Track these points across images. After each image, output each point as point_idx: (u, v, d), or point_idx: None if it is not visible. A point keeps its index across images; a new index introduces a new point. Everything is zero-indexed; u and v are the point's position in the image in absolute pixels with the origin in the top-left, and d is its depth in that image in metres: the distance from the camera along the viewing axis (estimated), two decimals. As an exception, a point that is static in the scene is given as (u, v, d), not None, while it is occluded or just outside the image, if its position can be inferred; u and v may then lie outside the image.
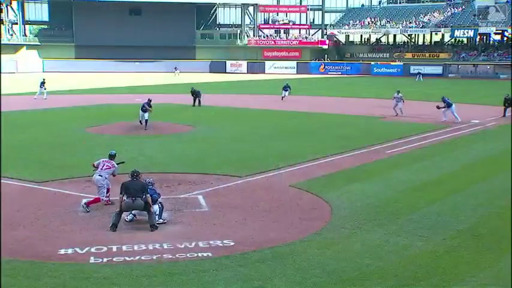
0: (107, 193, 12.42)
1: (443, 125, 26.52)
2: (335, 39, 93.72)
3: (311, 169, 16.30)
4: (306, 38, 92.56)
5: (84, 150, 18.85)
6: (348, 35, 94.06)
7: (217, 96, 45.18)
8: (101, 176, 12.34)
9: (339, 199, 12.81)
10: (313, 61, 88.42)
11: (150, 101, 24.81)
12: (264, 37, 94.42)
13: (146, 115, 24.11)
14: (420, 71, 74.84)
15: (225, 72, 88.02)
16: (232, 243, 9.83)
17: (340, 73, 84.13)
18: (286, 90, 39.47)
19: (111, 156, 12.67)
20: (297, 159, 17.71)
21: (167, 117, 29.52)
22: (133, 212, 11.17)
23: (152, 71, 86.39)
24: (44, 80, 40.22)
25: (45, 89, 38.94)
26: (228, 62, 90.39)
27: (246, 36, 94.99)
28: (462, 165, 16.97)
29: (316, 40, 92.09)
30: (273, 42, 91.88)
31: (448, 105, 27.34)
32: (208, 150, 19.20)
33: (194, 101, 36.00)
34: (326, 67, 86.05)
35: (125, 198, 10.92)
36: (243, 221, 11.20)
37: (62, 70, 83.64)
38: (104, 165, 12.44)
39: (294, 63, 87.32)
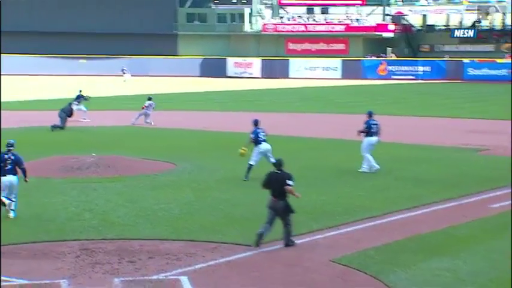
0: None
1: None
2: (404, 22, 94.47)
3: (365, 233, 16.29)
4: (357, 20, 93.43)
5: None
6: (425, 16, 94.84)
7: (212, 115, 45.51)
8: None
9: (412, 284, 12.77)
10: (367, 58, 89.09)
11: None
12: (288, 19, 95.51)
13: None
14: None
15: (226, 77, 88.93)
16: None
17: (412, 77, 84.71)
18: None
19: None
20: (341, 216, 17.68)
21: (132, 148, 29.73)
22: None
23: (109, 73, 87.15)
24: (80, 91, 41.76)
25: (81, 102, 40.93)
26: (230, 60, 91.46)
27: (259, 18, 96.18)
28: None
29: (374, 24, 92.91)
30: (303, 28, 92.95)
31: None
32: (198, 202, 19.26)
33: (65, 119, 36.75)
34: (389, 67, 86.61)
35: None
36: (254, 319, 11.17)
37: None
38: None
39: (337, 62, 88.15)
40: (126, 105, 51.25)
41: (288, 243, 14.91)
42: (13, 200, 17.12)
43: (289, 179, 14.83)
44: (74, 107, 39.75)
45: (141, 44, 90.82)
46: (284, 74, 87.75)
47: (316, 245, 15.36)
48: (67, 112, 36.74)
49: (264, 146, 22.58)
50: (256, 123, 22.90)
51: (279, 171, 15.02)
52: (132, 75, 79.86)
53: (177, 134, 35.50)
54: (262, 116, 44.98)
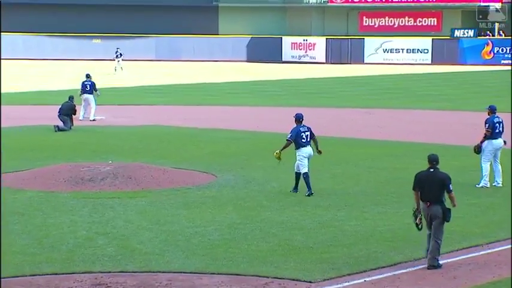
0: None
1: None
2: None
3: (463, 268, 16.14)
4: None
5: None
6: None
7: (262, 112, 45.45)
8: None
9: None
10: (467, 37, 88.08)
11: None
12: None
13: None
14: None
15: (280, 61, 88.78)
16: None
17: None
18: None
19: None
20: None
21: (159, 154, 29.99)
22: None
23: (130, 57, 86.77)
24: (88, 77, 42.47)
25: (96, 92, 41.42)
26: (287, 40, 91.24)
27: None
28: None
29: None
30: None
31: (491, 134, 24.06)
32: (244, 225, 19.33)
33: (69, 120, 37.09)
34: (497, 49, 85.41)
35: None
36: None
37: None
38: None
39: (426, 42, 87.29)
40: (152, 99, 51.59)
41: (432, 265, 15.67)
42: None
43: (449, 181, 15.77)
44: (82, 101, 40.13)
45: (171, 20, 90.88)
46: (356, 58, 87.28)
47: (399, 282, 15.26)
48: (68, 111, 36.86)
49: (308, 150, 22.66)
50: (300, 118, 22.90)
51: (433, 170, 15.84)
52: (124, 60, 76.53)
53: (218, 136, 35.52)
54: (326, 112, 45.18)
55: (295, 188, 22.75)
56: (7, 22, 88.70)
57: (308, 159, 22.58)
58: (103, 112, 41.12)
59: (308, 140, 22.53)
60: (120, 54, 75.61)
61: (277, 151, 22.77)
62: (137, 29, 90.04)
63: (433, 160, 15.87)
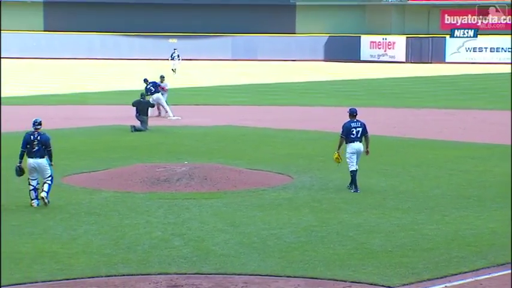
0: None
1: None
2: None
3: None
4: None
5: (62, 227, 19.58)
6: None
7: (340, 112, 45.27)
8: None
9: None
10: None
11: None
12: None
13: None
14: None
15: (359, 61, 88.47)
16: None
17: None
18: None
19: None
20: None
21: (235, 155, 30.19)
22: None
23: (205, 56, 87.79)
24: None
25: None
26: (365, 39, 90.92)
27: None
28: None
29: None
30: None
31: None
32: (320, 227, 19.31)
33: (146, 120, 37.26)
34: None
35: None
36: None
37: (21, 55, 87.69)
38: None
39: (510, 41, 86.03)
40: (228, 99, 51.79)
41: None
42: (48, 181, 20.34)
43: None
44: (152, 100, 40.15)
45: (247, 19, 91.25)
46: (438, 57, 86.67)
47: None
48: (146, 110, 37.06)
49: (356, 146, 22.91)
50: (353, 113, 23.30)
51: None
52: (182, 59, 76.21)
53: (294, 136, 35.62)
54: (406, 112, 44.88)
55: (351, 185, 23.07)
56: (84, 22, 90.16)
57: (357, 155, 22.88)
58: (179, 112, 41.49)
59: (358, 136, 22.86)
60: (178, 56, 75.59)
61: (336, 152, 23.07)
62: (213, 28, 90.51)
63: None
